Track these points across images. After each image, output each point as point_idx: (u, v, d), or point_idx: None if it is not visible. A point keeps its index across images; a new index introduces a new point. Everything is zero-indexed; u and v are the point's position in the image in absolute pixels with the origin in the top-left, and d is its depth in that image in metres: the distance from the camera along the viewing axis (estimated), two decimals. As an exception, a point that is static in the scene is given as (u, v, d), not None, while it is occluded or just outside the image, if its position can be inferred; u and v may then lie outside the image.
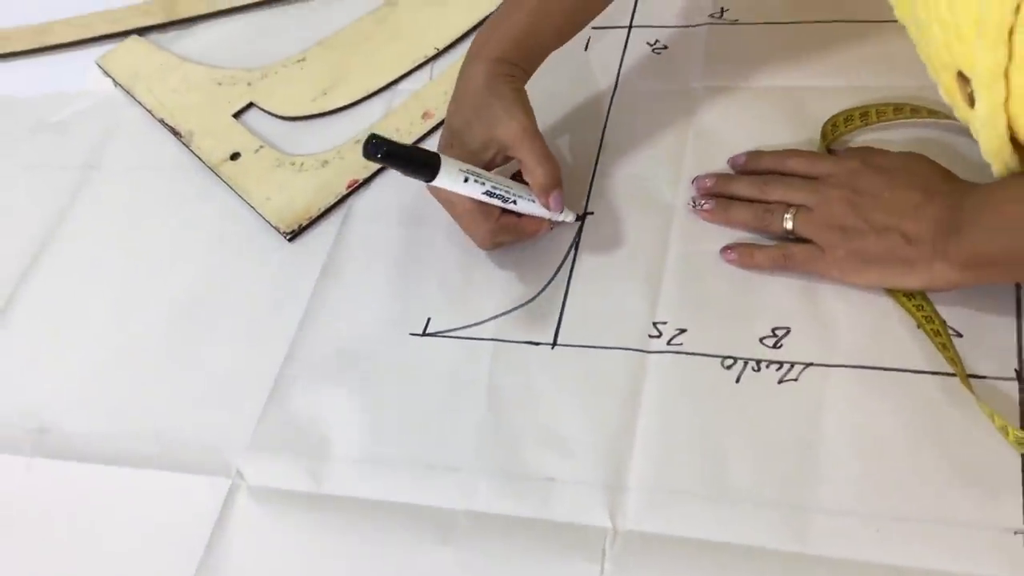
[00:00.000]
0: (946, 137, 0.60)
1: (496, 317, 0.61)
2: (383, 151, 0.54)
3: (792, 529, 0.50)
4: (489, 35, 0.62)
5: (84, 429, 0.62)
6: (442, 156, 0.56)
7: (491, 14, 0.63)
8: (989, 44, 0.46)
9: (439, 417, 0.57)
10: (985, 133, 0.50)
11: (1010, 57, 0.46)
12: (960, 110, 0.52)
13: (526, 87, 0.62)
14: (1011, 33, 0.45)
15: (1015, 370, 0.52)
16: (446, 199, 0.60)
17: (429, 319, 0.61)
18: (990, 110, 0.49)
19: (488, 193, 0.58)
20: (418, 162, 0.56)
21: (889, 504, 0.49)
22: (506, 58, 0.61)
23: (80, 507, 0.59)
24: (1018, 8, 0.45)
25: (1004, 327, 0.53)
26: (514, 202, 0.59)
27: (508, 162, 0.61)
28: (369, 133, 0.55)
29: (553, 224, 0.62)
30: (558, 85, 0.67)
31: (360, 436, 0.58)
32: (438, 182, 0.56)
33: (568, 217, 0.62)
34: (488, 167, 0.60)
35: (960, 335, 0.54)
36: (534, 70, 0.63)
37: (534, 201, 0.60)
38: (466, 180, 0.57)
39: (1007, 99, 0.48)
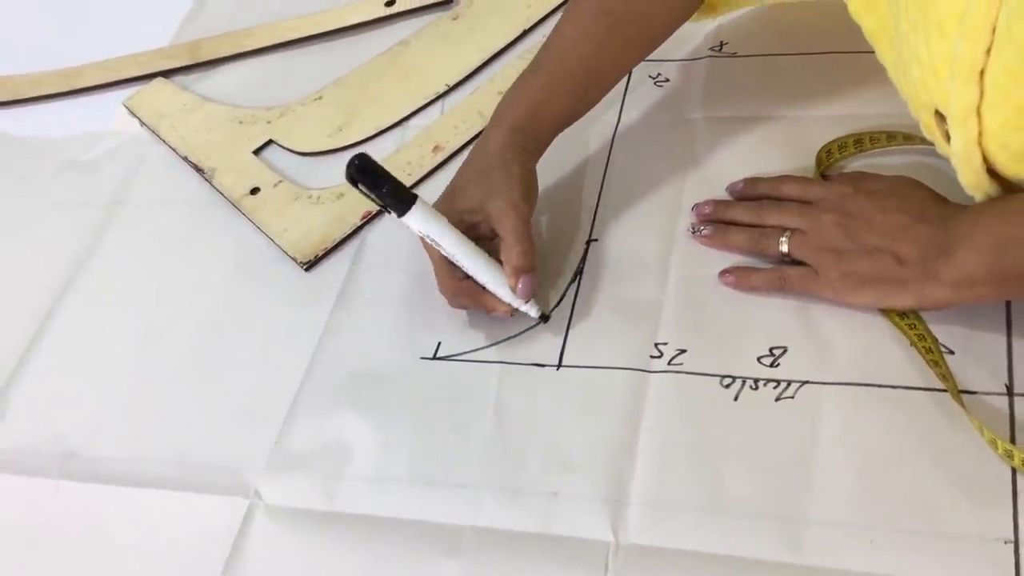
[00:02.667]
0: (937, 163, 0.62)
1: (503, 341, 0.63)
2: (361, 173, 0.56)
3: (789, 541, 0.51)
4: (508, 103, 0.64)
5: (109, 453, 0.65)
6: (419, 200, 0.58)
7: (515, 82, 0.65)
8: (961, 83, 0.48)
9: (447, 436, 0.59)
10: (962, 168, 0.52)
11: (981, 96, 0.48)
12: (940, 146, 0.54)
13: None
14: (982, 73, 0.47)
15: (1005, 385, 0.53)
16: (424, 242, 0.61)
17: (439, 343, 0.64)
18: (965, 147, 0.51)
19: (446, 257, 0.59)
20: (394, 195, 0.58)
21: (883, 516, 0.51)
22: (522, 127, 0.62)
23: (105, 528, 0.62)
24: (989, 50, 0.47)
25: (994, 344, 0.55)
26: (474, 277, 0.60)
27: (495, 236, 0.61)
28: (351, 159, 0.57)
29: (514, 312, 0.61)
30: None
31: (372, 455, 0.60)
32: (407, 220, 0.58)
33: (532, 311, 0.61)
34: (473, 232, 0.61)
35: (952, 352, 0.55)
36: (547, 144, 0.64)
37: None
38: (428, 237, 0.58)
39: (980, 136, 0.50)
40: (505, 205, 0.60)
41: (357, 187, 0.58)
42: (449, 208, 0.61)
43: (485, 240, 0.61)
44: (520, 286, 0.60)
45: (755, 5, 0.73)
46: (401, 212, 0.58)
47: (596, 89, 0.66)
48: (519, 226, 0.60)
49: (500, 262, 0.60)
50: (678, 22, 0.67)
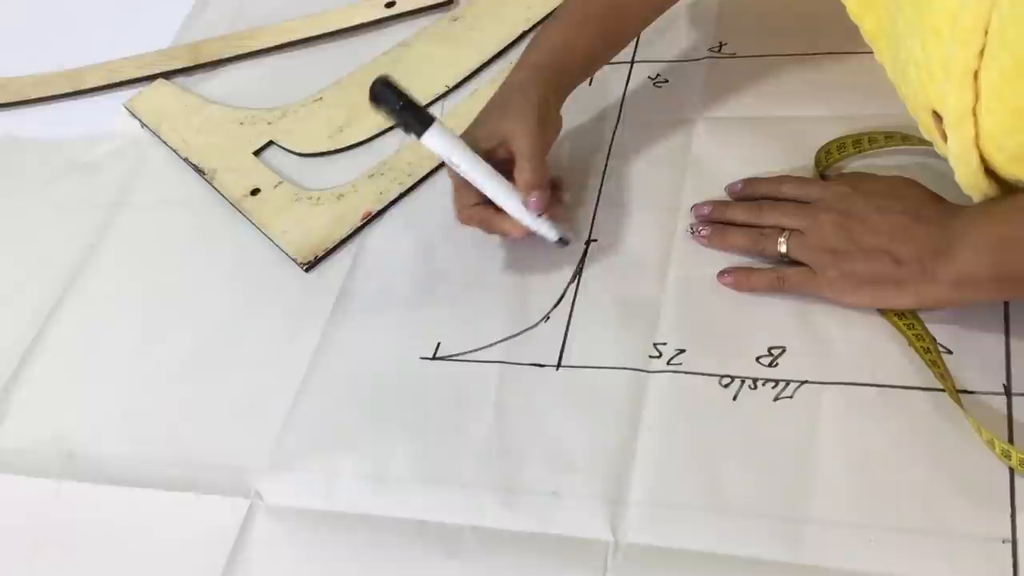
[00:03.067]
0: (935, 163, 0.62)
1: (503, 341, 0.63)
2: (386, 93, 0.59)
3: (788, 540, 0.51)
4: (531, 47, 0.67)
5: (110, 453, 0.65)
6: (436, 121, 0.60)
7: (539, 27, 0.69)
8: (956, 85, 0.48)
9: (447, 436, 0.59)
10: (959, 169, 0.52)
11: (976, 98, 0.48)
12: (939, 146, 0.54)
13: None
14: (976, 75, 0.48)
15: (1003, 385, 0.54)
16: (447, 165, 0.63)
17: (439, 344, 0.64)
18: (961, 148, 0.51)
19: (463, 179, 0.62)
20: (413, 115, 0.60)
21: (881, 515, 0.51)
22: (544, 65, 0.65)
23: (105, 528, 0.62)
24: (982, 52, 0.47)
25: (992, 344, 0.55)
26: (490, 197, 0.62)
27: (513, 162, 0.62)
28: (376, 79, 0.59)
29: (531, 233, 0.62)
30: (564, 118, 0.69)
31: (372, 455, 0.60)
32: (425, 140, 0.60)
33: (551, 233, 0.62)
34: (492, 158, 0.62)
35: (950, 352, 0.55)
36: (570, 82, 0.66)
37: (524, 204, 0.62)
38: (445, 157, 0.61)
39: (977, 137, 0.50)
40: (518, 128, 0.62)
41: (379, 107, 0.60)
42: (469, 135, 0.63)
43: (503, 165, 0.62)
44: (532, 200, 0.61)
45: None
46: (420, 132, 0.60)
47: (616, 37, 0.68)
48: (531, 145, 0.61)
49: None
50: None
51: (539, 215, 0.62)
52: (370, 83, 0.60)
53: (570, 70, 0.66)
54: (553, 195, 0.63)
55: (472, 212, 0.64)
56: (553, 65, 0.65)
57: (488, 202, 0.62)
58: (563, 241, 0.63)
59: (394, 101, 0.60)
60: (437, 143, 0.61)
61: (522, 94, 0.63)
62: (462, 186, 0.63)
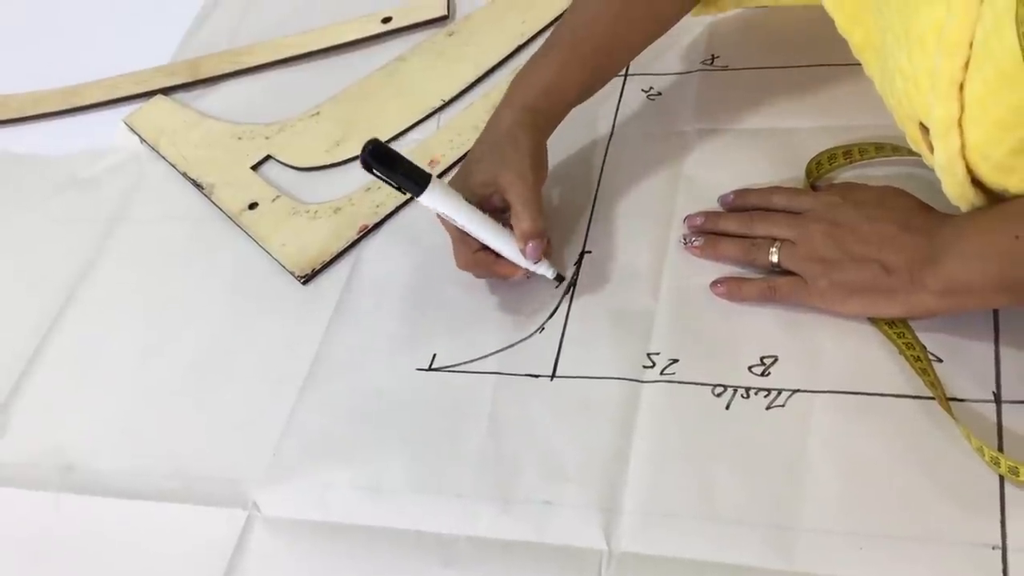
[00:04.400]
0: (924, 173, 0.62)
1: (498, 352, 0.63)
2: (378, 159, 0.59)
3: (779, 548, 0.52)
4: (520, 82, 0.67)
5: (109, 466, 0.65)
6: (433, 179, 0.61)
7: (528, 60, 0.68)
8: (941, 97, 0.49)
9: (443, 446, 0.60)
10: (946, 179, 0.53)
11: (962, 109, 0.49)
12: (926, 157, 0.55)
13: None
14: (962, 87, 0.48)
15: (993, 392, 0.54)
16: (440, 218, 0.64)
17: (435, 355, 0.64)
18: (948, 158, 0.52)
19: (461, 230, 0.62)
20: (409, 176, 0.60)
21: (872, 523, 0.51)
22: (533, 106, 0.65)
23: (104, 540, 0.62)
24: (967, 64, 0.47)
25: (982, 352, 0.55)
26: (489, 246, 0.63)
27: (507, 207, 0.63)
28: (365, 144, 0.59)
29: (530, 274, 0.64)
30: (558, 130, 0.70)
31: (368, 466, 0.60)
32: (424, 200, 0.61)
33: (548, 272, 0.64)
34: (487, 205, 0.63)
35: (940, 360, 0.56)
36: (558, 120, 0.67)
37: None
38: (444, 214, 0.61)
39: (963, 148, 0.51)
40: (514, 176, 0.62)
41: (372, 172, 0.60)
42: (463, 183, 0.64)
43: (498, 212, 0.64)
44: (529, 248, 0.62)
45: (755, 5, 0.73)
46: (418, 192, 0.61)
47: (607, 70, 0.69)
48: (527, 194, 0.62)
49: (512, 230, 0.63)
50: (687, 6, 0.69)
51: (536, 262, 0.63)
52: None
53: (559, 108, 0.66)
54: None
55: (473, 259, 0.64)
56: (542, 106, 0.65)
57: (486, 248, 0.63)
58: (559, 278, 0.65)
59: (390, 166, 0.60)
60: (436, 201, 0.61)
61: (514, 141, 0.63)
62: (459, 236, 0.64)
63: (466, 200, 0.62)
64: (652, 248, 0.66)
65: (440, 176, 0.63)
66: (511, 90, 0.66)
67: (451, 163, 0.76)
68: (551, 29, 0.68)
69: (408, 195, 0.62)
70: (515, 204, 0.62)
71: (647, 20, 0.68)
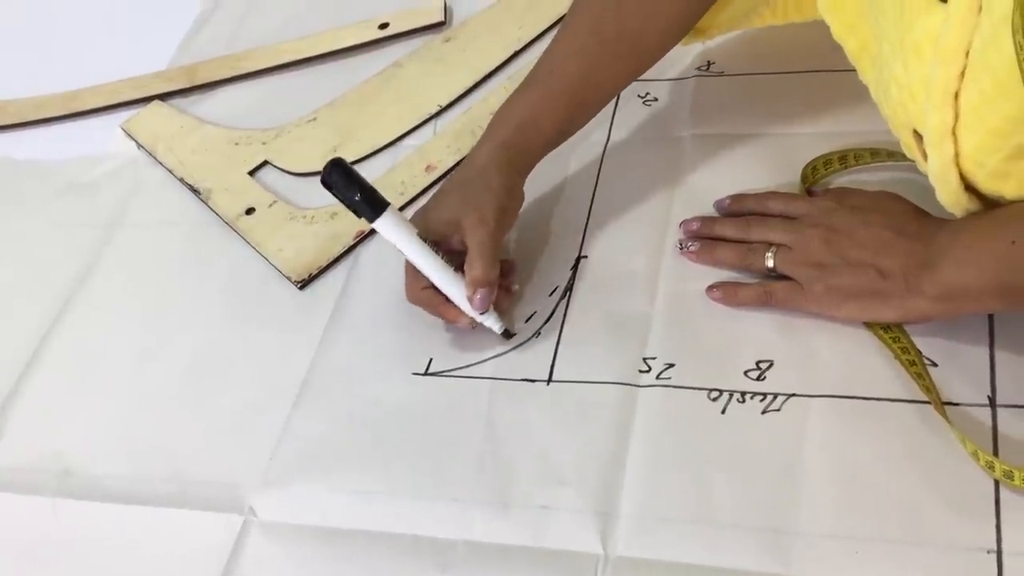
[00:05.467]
0: (919, 178, 0.62)
1: (494, 357, 0.64)
2: (335, 178, 0.59)
3: (775, 552, 0.52)
4: (497, 119, 0.65)
5: (106, 471, 0.65)
6: (389, 209, 0.60)
7: (508, 97, 0.66)
8: (936, 105, 0.49)
9: (439, 451, 0.60)
10: (940, 186, 0.53)
11: (957, 117, 0.49)
12: (920, 164, 0.55)
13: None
14: (957, 96, 0.48)
15: (988, 396, 0.54)
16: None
17: (431, 360, 0.65)
18: (941, 166, 0.52)
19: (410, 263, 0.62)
20: (366, 201, 0.60)
21: (868, 527, 0.51)
22: (508, 143, 0.63)
23: (100, 545, 0.62)
24: (962, 73, 0.48)
25: (977, 356, 0.56)
26: (438, 287, 0.62)
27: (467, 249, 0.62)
28: (328, 162, 0.59)
29: (476, 324, 0.62)
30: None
31: (365, 471, 0.60)
32: (376, 226, 0.61)
33: (495, 326, 0.62)
34: (445, 244, 0.62)
35: (935, 364, 0.56)
36: (536, 158, 0.65)
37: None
38: (394, 245, 0.61)
39: (957, 155, 0.51)
40: (475, 219, 0.61)
41: (330, 191, 0.60)
42: (424, 217, 0.63)
43: (456, 254, 0.62)
44: (476, 298, 0.61)
45: (744, 28, 0.74)
46: (371, 218, 0.60)
47: (586, 108, 0.67)
48: (484, 240, 0.61)
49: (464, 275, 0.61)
50: (670, 43, 0.68)
51: (482, 312, 0.62)
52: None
53: (535, 147, 0.64)
54: (501, 284, 0.63)
55: (420, 296, 0.63)
56: (518, 144, 0.63)
57: (436, 288, 0.62)
58: (507, 334, 0.63)
59: (346, 188, 0.60)
60: (388, 231, 0.60)
61: (484, 180, 0.62)
62: (411, 269, 0.63)
63: (422, 235, 0.61)
64: (648, 253, 0.66)
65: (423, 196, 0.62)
66: (489, 126, 0.65)
67: (448, 168, 0.76)
68: (537, 59, 0.66)
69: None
70: (471, 249, 0.61)
71: (628, 56, 0.65)
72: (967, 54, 0.47)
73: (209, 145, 0.85)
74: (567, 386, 0.61)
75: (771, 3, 0.67)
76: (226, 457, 0.64)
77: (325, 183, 0.60)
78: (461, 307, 0.62)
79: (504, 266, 0.64)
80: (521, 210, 0.65)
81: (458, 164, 0.76)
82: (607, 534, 0.54)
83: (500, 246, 0.62)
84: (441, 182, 0.66)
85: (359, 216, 0.61)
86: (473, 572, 0.55)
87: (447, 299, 0.62)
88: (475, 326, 0.63)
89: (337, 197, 0.61)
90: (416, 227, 0.62)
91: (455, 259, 0.62)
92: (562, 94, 0.64)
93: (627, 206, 0.69)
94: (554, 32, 0.81)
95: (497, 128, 0.65)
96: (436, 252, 0.61)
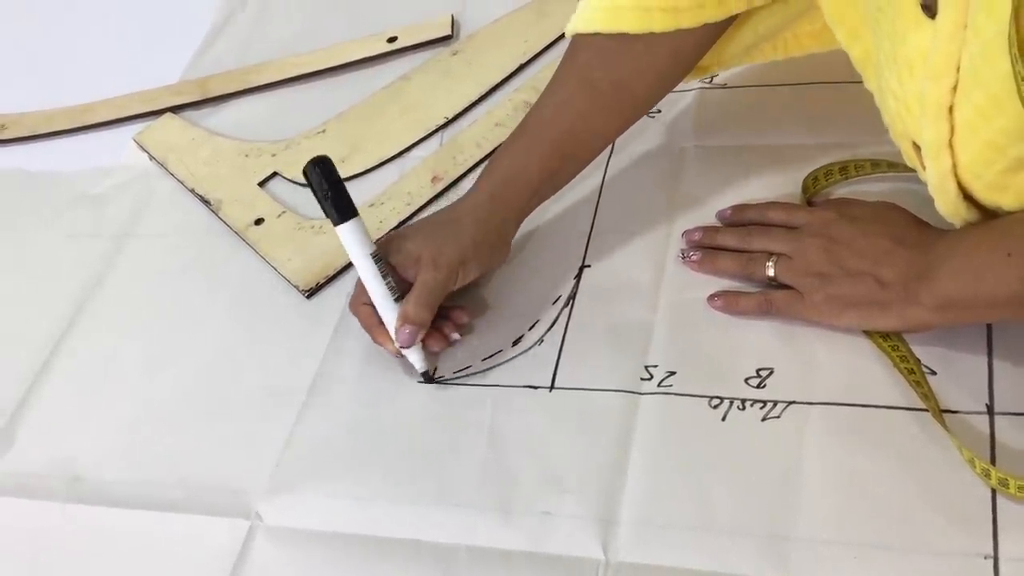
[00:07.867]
0: (919, 189, 0.63)
1: (498, 364, 0.64)
2: (315, 176, 0.60)
3: (775, 558, 0.52)
4: (487, 168, 0.66)
5: (115, 477, 0.66)
6: (354, 220, 0.61)
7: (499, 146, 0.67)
8: (931, 119, 0.50)
9: (442, 457, 0.61)
10: (938, 197, 0.54)
11: (952, 131, 0.50)
12: (921, 173, 0.56)
13: None
14: (951, 110, 0.49)
15: (986, 404, 0.55)
16: None
17: (435, 367, 0.65)
18: (939, 178, 0.52)
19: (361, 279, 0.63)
20: (336, 206, 0.61)
21: (867, 533, 0.52)
22: (495, 195, 0.64)
23: (109, 550, 0.63)
24: (955, 87, 0.48)
25: (975, 364, 0.56)
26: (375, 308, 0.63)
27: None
28: (314, 156, 0.61)
29: (400, 355, 0.63)
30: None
31: (369, 477, 0.61)
32: (339, 232, 0.62)
33: (416, 363, 0.63)
34: (403, 274, 0.63)
35: (934, 372, 0.56)
36: (525, 209, 0.65)
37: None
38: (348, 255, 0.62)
39: (955, 167, 0.51)
40: (429, 261, 0.62)
41: (309, 186, 0.62)
42: (391, 241, 0.64)
43: (410, 285, 0.63)
44: (400, 332, 0.62)
45: (746, 64, 0.73)
46: (335, 222, 0.62)
47: (575, 159, 0.66)
48: (428, 283, 0.62)
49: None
50: (664, 89, 0.67)
51: (405, 347, 0.62)
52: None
53: (524, 196, 0.64)
54: (437, 328, 0.63)
55: (359, 310, 0.65)
56: (505, 196, 0.64)
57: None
58: (427, 376, 0.64)
59: (320, 186, 0.61)
60: (346, 240, 0.62)
61: (456, 229, 0.63)
62: (359, 284, 0.64)
63: (379, 255, 0.62)
64: (651, 262, 0.67)
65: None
66: (480, 174, 0.66)
67: (453, 180, 0.77)
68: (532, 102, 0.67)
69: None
70: (414, 286, 0.62)
71: (617, 108, 0.65)
72: (958, 69, 0.48)
73: (220, 157, 0.86)
74: (570, 393, 0.62)
75: (772, 39, 0.68)
76: (233, 463, 0.65)
77: (305, 174, 0.62)
78: (392, 335, 0.63)
79: (452, 313, 0.65)
80: (525, 220, 0.67)
81: (464, 176, 0.77)
82: (608, 540, 0.55)
83: (445, 293, 0.63)
84: (452, 202, 0.67)
85: (327, 216, 0.62)
86: (475, 577, 0.56)
87: (381, 323, 0.63)
88: (399, 356, 0.64)
89: (312, 193, 0.62)
90: (380, 246, 0.63)
91: (405, 288, 0.63)
92: (551, 144, 0.64)
93: (630, 216, 0.70)
94: (559, 46, 0.83)
95: (486, 178, 0.65)
96: (385, 276, 0.62)
